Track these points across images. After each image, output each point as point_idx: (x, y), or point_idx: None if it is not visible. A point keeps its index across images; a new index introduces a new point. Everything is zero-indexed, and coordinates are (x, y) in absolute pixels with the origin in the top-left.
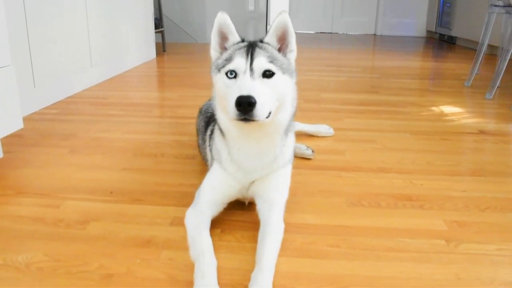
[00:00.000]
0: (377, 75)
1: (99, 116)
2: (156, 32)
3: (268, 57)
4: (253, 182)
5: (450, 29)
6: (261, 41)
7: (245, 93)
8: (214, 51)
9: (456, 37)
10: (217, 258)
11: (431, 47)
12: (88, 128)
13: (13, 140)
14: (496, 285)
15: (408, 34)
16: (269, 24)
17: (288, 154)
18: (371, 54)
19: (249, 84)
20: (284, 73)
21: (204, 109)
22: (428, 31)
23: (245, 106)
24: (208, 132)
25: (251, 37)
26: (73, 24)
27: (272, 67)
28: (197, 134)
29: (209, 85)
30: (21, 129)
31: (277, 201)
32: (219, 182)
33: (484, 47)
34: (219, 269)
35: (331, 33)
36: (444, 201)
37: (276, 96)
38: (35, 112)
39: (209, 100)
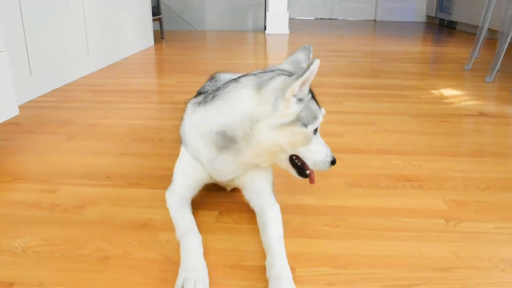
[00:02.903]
0: (377, 59)
1: (97, 103)
2: (154, 20)
3: None
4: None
5: (450, 14)
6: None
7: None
8: (292, 97)
9: (456, 21)
10: (215, 240)
11: (431, 32)
12: (86, 115)
13: (10, 128)
14: (495, 262)
15: (408, 19)
16: (268, 10)
17: None
18: (371, 39)
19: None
20: None
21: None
22: (428, 16)
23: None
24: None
25: (250, 26)
26: (68, 10)
27: None
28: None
29: (207, 71)
30: (18, 117)
31: (263, 187)
32: (191, 169)
33: (484, 31)
34: (216, 250)
35: (330, 19)
36: (444, 181)
37: None
38: (32, 100)
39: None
